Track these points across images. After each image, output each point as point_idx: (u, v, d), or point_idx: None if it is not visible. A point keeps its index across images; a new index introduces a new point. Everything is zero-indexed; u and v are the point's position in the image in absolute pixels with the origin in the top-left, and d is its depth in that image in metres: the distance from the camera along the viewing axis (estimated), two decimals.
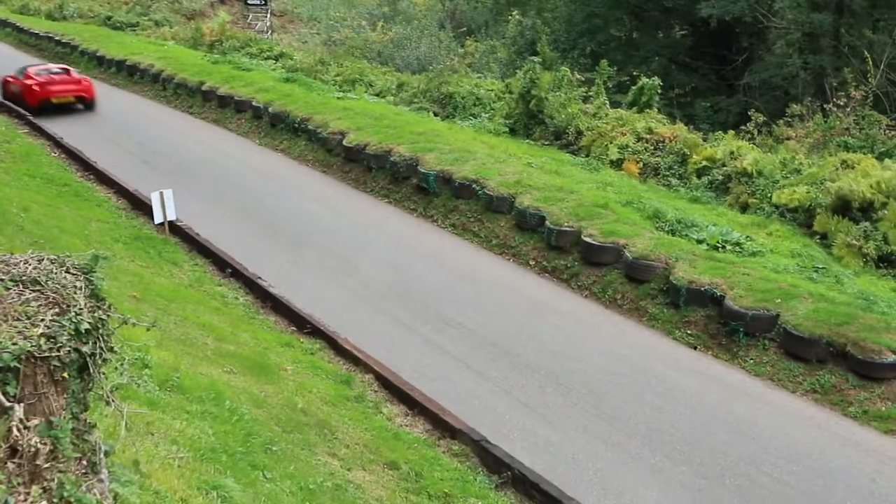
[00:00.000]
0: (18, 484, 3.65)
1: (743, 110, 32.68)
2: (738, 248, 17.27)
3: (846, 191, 19.25)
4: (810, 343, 13.98)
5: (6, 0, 60.34)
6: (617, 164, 24.80)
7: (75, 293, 4.15)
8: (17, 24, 50.25)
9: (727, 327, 15.00)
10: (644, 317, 16.23)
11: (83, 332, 4.00)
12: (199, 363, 11.10)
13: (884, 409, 12.98)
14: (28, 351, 3.72)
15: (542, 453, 11.97)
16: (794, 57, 37.46)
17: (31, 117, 29.53)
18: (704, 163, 23.47)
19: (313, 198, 22.97)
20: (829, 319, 14.16)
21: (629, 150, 25.16)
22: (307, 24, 58.37)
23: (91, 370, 4.08)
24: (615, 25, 43.64)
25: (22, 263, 4.24)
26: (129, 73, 37.54)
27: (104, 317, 4.22)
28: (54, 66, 33.82)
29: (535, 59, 30.18)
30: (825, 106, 26.89)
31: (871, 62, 27.99)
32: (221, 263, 18.04)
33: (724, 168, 22.94)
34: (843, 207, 19.27)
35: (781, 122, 27.33)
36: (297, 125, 27.45)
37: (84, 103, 32.19)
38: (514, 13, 43.55)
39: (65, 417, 3.90)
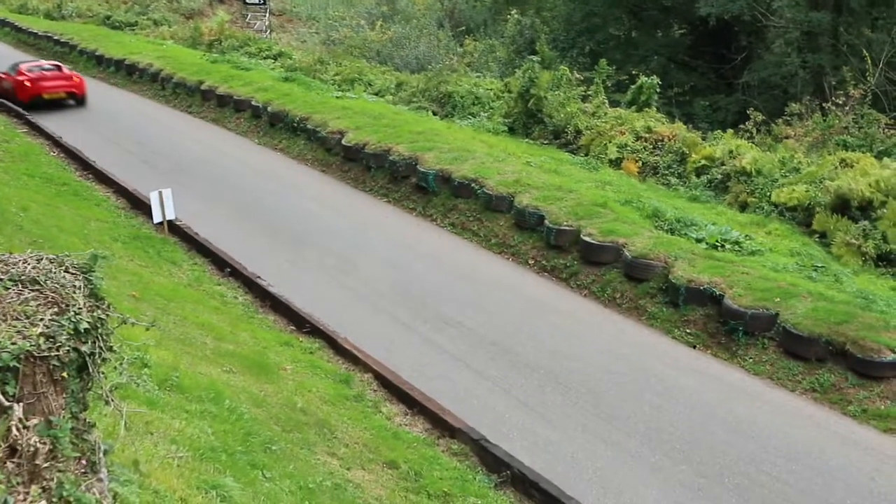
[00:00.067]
0: (18, 483, 3.65)
1: (742, 109, 32.69)
2: (737, 247, 17.27)
3: (845, 189, 19.26)
4: (809, 342, 13.99)
5: (5, 0, 60.33)
6: (616, 163, 24.80)
7: (74, 293, 4.15)
8: (16, 24, 50.23)
9: (726, 326, 15.01)
10: (643, 316, 16.23)
11: (82, 331, 4.00)
12: (199, 362, 11.10)
13: (883, 407, 12.98)
14: (27, 350, 3.71)
15: (542, 452, 11.97)
16: (792, 56, 37.45)
17: (29, 116, 29.55)
18: (703, 162, 23.48)
19: (312, 197, 22.96)
20: (829, 318, 14.17)
21: (628, 149, 25.17)
22: (306, 24, 58.32)
23: (90, 369, 4.08)
24: (614, 24, 43.65)
25: (21, 263, 4.24)
26: (127, 73, 37.53)
27: (103, 316, 4.22)
28: (46, 63, 34.30)
29: (534, 58, 30.19)
30: (824, 105, 26.91)
31: (869, 61, 28.02)
32: (220, 263, 18.04)
33: (723, 167, 22.94)
34: (842, 206, 19.28)
35: (780, 120, 27.34)
36: (295, 124, 27.45)
37: (75, 99, 32.57)
38: (512, 12, 43.56)
39: (64, 417, 3.90)
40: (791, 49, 38.11)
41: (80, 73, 38.97)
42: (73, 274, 4.29)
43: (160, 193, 19.21)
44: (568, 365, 14.30)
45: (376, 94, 33.03)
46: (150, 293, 14.06)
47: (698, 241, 17.46)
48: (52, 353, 3.82)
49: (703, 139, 25.26)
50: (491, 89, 32.37)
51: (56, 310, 4.00)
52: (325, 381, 13.07)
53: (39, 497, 3.66)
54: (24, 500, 3.62)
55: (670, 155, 24.50)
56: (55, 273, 4.22)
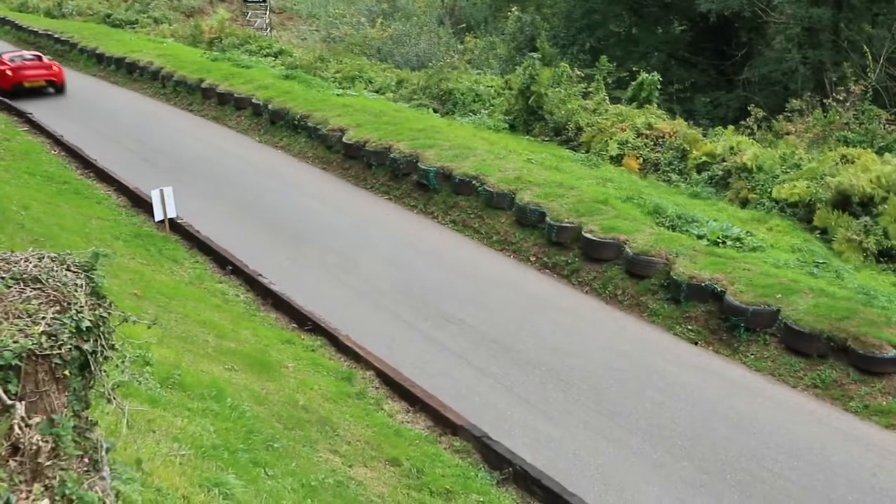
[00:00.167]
0: (20, 482, 3.65)
1: (742, 105, 32.68)
2: (738, 244, 17.26)
3: (846, 185, 19.24)
4: (811, 338, 13.99)
5: None
6: (617, 160, 24.78)
7: (76, 291, 4.15)
8: (16, 22, 50.23)
9: (728, 322, 15.00)
10: (645, 312, 16.23)
11: (84, 329, 4.01)
12: (200, 360, 11.10)
13: (885, 403, 12.98)
14: (29, 349, 3.72)
15: (544, 449, 11.98)
16: (793, 52, 37.40)
17: (30, 115, 29.58)
18: (704, 158, 23.46)
19: (313, 195, 22.96)
20: (830, 314, 14.17)
21: (629, 145, 25.14)
22: (306, 21, 58.29)
23: (92, 368, 4.08)
24: (614, 21, 43.61)
25: (22, 261, 4.24)
26: (128, 71, 37.53)
27: (105, 314, 4.23)
28: (27, 53, 36.10)
29: (535, 55, 30.13)
30: (825, 101, 26.88)
31: (870, 57, 27.97)
32: (222, 261, 18.06)
33: (724, 163, 22.92)
34: (844, 202, 19.26)
35: (781, 117, 27.31)
36: (296, 122, 27.44)
37: (55, 87, 34.30)
38: (513, 9, 43.49)
39: (66, 415, 3.90)
40: (791, 45, 38.06)
41: (81, 71, 39.20)
42: (74, 272, 4.30)
43: (161, 191, 19.22)
44: (569, 362, 14.31)
45: (377, 92, 33.01)
46: (151, 291, 14.07)
47: (699, 237, 17.46)
48: (54, 352, 3.82)
49: (704, 136, 25.23)
50: (491, 86, 32.32)
51: (58, 308, 4.00)
52: (326, 379, 13.08)
53: (42, 495, 3.66)
54: (27, 498, 3.63)
55: (671, 151, 24.47)
56: (57, 271, 4.22)
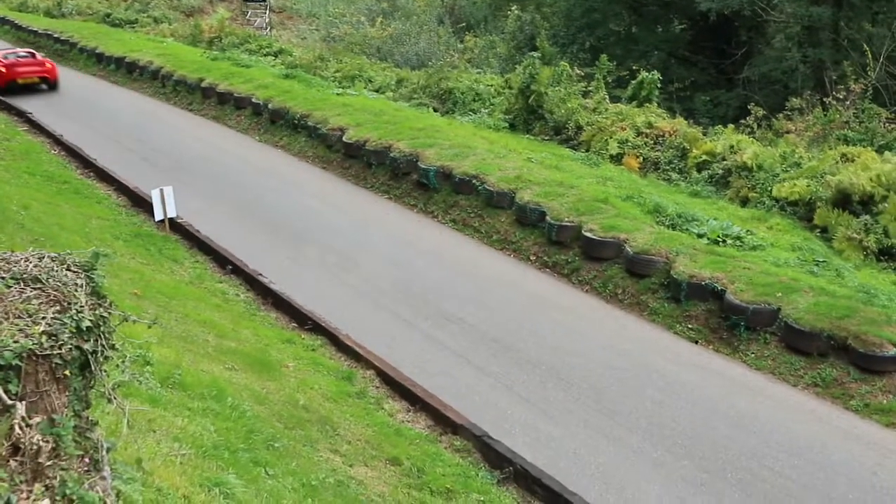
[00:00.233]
0: (21, 482, 3.65)
1: (742, 104, 32.67)
2: (738, 242, 17.27)
3: (846, 184, 19.23)
4: (811, 337, 13.99)
5: None
6: (617, 159, 24.77)
7: (76, 291, 4.15)
8: (16, 22, 50.22)
9: (728, 321, 15.00)
10: (645, 311, 16.23)
11: (84, 329, 4.01)
12: (201, 360, 11.11)
13: (885, 402, 12.98)
14: (29, 349, 3.72)
15: (544, 448, 11.98)
16: (793, 50, 37.40)
17: (30, 115, 29.59)
18: (704, 157, 23.45)
19: (313, 194, 22.96)
20: (830, 313, 14.17)
21: (629, 144, 25.13)
22: (306, 21, 58.29)
23: (93, 368, 4.09)
24: (614, 20, 43.60)
25: (23, 261, 4.24)
26: (128, 71, 37.52)
27: (105, 314, 4.23)
28: (21, 50, 37.08)
29: (535, 54, 30.12)
30: (825, 99, 26.85)
31: (870, 55, 27.96)
32: (222, 260, 18.06)
33: (724, 162, 22.91)
34: (844, 201, 19.25)
35: (781, 115, 27.29)
36: (296, 121, 27.44)
37: (47, 83, 35.04)
38: (513, 8, 43.49)
39: (67, 415, 3.90)
40: (791, 44, 38.05)
41: (81, 71, 39.22)
42: (74, 272, 4.30)
43: (161, 191, 19.22)
44: (570, 361, 14.31)
45: (377, 91, 33.01)
46: (151, 291, 14.08)
47: (700, 236, 17.46)
48: (55, 352, 3.82)
49: (704, 134, 25.21)
50: (491, 85, 32.31)
51: (58, 308, 4.00)
52: (327, 378, 13.09)
53: (42, 495, 3.66)
54: (28, 498, 3.63)
55: (671, 150, 24.46)
56: (57, 271, 4.22)
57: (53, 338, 3.84)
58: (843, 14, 36.78)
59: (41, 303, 3.99)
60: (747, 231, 17.93)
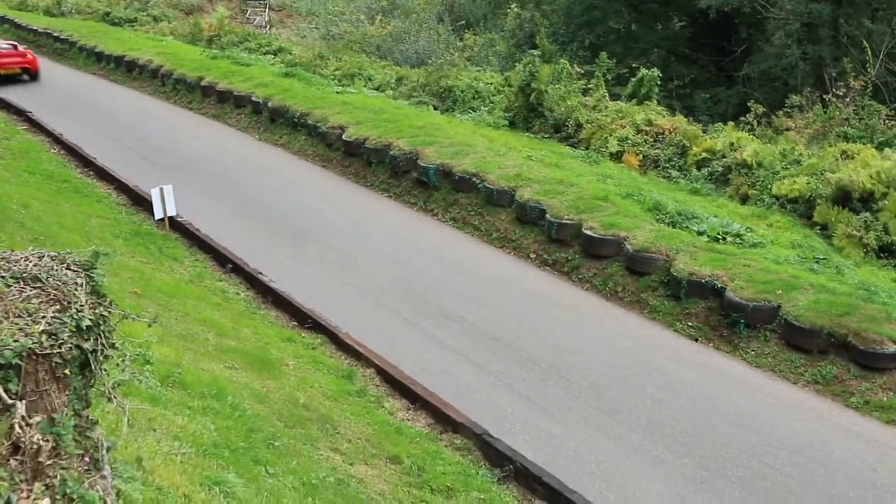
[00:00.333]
0: (21, 481, 3.65)
1: (742, 101, 32.65)
2: (738, 240, 17.26)
3: (846, 181, 19.22)
4: (811, 334, 13.99)
5: None
6: (617, 157, 24.76)
7: (76, 290, 4.15)
8: (15, 21, 50.17)
9: (728, 319, 15.00)
10: (645, 309, 16.23)
11: (84, 328, 4.01)
12: (201, 359, 11.11)
13: (885, 399, 12.98)
14: (29, 348, 3.72)
15: (544, 446, 11.98)
16: (793, 47, 37.40)
17: (30, 114, 29.60)
18: (704, 154, 23.43)
19: (313, 192, 22.95)
20: (831, 310, 14.17)
21: (629, 142, 25.12)
22: (306, 19, 58.25)
23: (93, 367, 4.09)
24: (614, 17, 43.60)
25: (23, 260, 4.24)
26: (127, 69, 37.49)
27: (105, 313, 4.23)
28: (3, 42, 38.24)
29: (535, 52, 30.11)
30: (824, 96, 26.84)
31: (870, 52, 27.94)
32: (222, 259, 18.06)
33: (724, 159, 22.90)
34: (844, 198, 19.24)
35: (781, 112, 27.27)
36: (296, 120, 27.43)
37: (29, 74, 36.47)
38: (512, 6, 43.49)
39: (67, 414, 3.90)
40: (791, 41, 38.05)
41: (80, 70, 39.22)
42: (74, 271, 4.30)
43: (161, 190, 19.22)
44: (570, 359, 14.31)
45: (376, 89, 32.98)
46: (151, 290, 14.07)
47: (700, 233, 17.46)
48: (55, 351, 3.82)
49: (704, 132, 25.20)
50: (491, 83, 32.29)
51: (58, 307, 4.00)
52: (327, 377, 13.09)
53: (43, 494, 3.66)
54: (28, 497, 3.63)
55: (671, 148, 24.45)
56: (57, 270, 4.22)
57: (53, 337, 3.84)
58: (843, 11, 36.77)
59: (41, 302, 4.00)
60: (747, 228, 17.92)
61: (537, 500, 11.01)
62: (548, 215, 18.72)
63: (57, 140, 26.72)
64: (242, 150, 26.99)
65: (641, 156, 24.65)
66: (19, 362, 3.67)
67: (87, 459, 4.02)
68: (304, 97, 28.82)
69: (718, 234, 17.36)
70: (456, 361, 14.29)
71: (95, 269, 4.38)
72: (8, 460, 3.64)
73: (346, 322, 15.28)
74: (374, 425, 11.69)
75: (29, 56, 36.93)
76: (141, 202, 20.85)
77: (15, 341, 3.70)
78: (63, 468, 3.78)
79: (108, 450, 4.21)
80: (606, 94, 28.27)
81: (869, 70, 27.12)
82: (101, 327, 4.15)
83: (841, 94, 25.65)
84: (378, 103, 28.43)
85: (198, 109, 31.94)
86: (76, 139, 26.35)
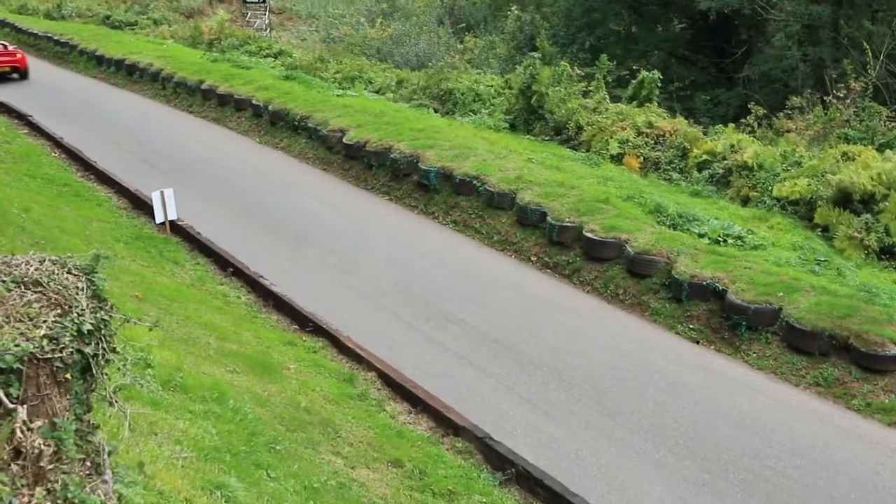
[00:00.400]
0: (22, 486, 3.65)
1: (743, 103, 32.63)
2: (739, 242, 17.26)
3: (847, 183, 19.21)
4: (813, 336, 13.98)
5: (4, 0, 60.29)
6: (617, 159, 24.74)
7: (77, 294, 4.14)
8: (16, 24, 50.20)
9: (729, 321, 15.00)
10: (646, 312, 16.22)
11: (86, 332, 4.00)
12: (202, 363, 11.10)
13: (887, 401, 12.98)
14: (31, 352, 3.71)
15: (546, 449, 11.97)
16: (793, 49, 37.36)
17: (31, 118, 29.61)
18: (705, 156, 23.43)
19: (314, 196, 22.96)
20: (832, 312, 14.16)
21: (629, 144, 25.11)
22: (306, 22, 58.26)
23: (94, 371, 4.08)
24: (614, 20, 43.57)
25: (23, 265, 4.24)
26: (128, 73, 37.51)
27: (106, 317, 4.22)
28: None
29: (535, 54, 30.11)
30: (825, 98, 26.82)
31: (870, 53, 27.93)
32: (223, 262, 18.06)
33: (725, 161, 22.89)
34: (845, 200, 19.23)
35: (781, 114, 27.26)
36: (296, 123, 27.44)
37: (18, 73, 37.41)
38: (512, 8, 43.47)
39: (68, 419, 3.90)
40: (791, 42, 38.02)
41: (81, 73, 39.28)
42: (75, 275, 4.29)
43: (162, 193, 19.22)
44: (571, 361, 14.30)
45: (377, 92, 32.98)
46: (152, 294, 14.07)
47: (701, 236, 17.45)
48: (56, 355, 3.82)
49: (705, 134, 25.19)
50: (491, 86, 32.28)
51: (59, 311, 4.00)
52: (328, 380, 13.08)
53: (44, 499, 3.66)
54: (29, 502, 3.62)
55: (672, 150, 24.45)
56: (58, 274, 4.22)
57: (54, 341, 3.84)
58: (843, 12, 36.75)
59: (42, 306, 3.99)
60: (748, 230, 17.92)
61: (539, 503, 11.00)
62: (549, 218, 18.72)
63: (57, 144, 26.73)
64: (243, 153, 27.00)
65: (642, 158, 24.64)
66: (20, 367, 3.67)
67: (88, 464, 4.01)
68: (305, 100, 28.84)
69: (719, 236, 17.35)
70: (457, 364, 14.28)
71: (96, 273, 4.37)
72: (9, 465, 3.64)
73: (347, 325, 15.27)
74: (375, 429, 11.69)
75: (18, 55, 37.69)
76: (142, 206, 20.85)
77: (16, 346, 3.69)
78: (64, 473, 3.77)
79: (109, 454, 4.21)
80: (607, 97, 28.26)
81: (869, 71, 27.11)
82: (103, 331, 4.15)
83: (841, 95, 25.64)
84: (378, 106, 28.44)
85: (198, 113, 31.95)
86: (77, 143, 26.35)
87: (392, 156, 23.18)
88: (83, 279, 4.28)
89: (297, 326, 15.56)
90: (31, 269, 4.20)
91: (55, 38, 44.63)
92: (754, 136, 24.95)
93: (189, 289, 16.08)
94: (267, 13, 52.11)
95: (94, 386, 4.15)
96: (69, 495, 3.72)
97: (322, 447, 10.13)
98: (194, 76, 33.69)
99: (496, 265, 18.60)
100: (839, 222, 18.66)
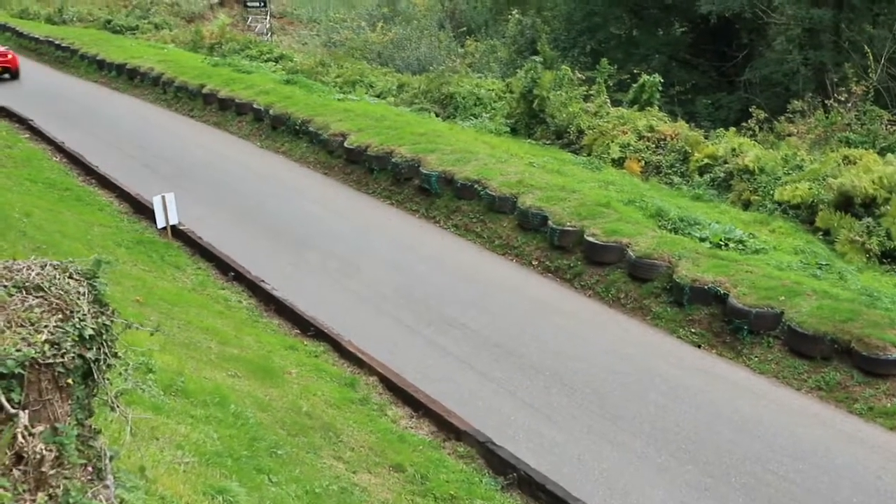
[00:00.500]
0: (24, 491, 3.64)
1: (744, 107, 32.66)
2: (740, 246, 17.24)
3: (848, 186, 19.22)
4: (815, 340, 13.96)
5: (6, 4, 60.43)
6: (619, 163, 24.77)
7: (79, 299, 4.14)
8: (17, 29, 50.28)
9: (731, 325, 14.98)
10: (648, 316, 16.20)
11: (87, 337, 4.00)
12: (204, 367, 11.10)
13: (889, 405, 12.95)
14: (32, 357, 3.71)
15: (548, 454, 11.96)
16: (794, 53, 37.39)
17: (32, 122, 29.63)
18: (706, 160, 23.45)
19: (315, 200, 22.96)
20: (833, 316, 14.14)
21: (631, 148, 25.14)
22: (307, 26, 58.36)
23: (95, 376, 4.08)
24: (615, 23, 43.62)
25: (25, 269, 4.23)
26: (129, 77, 37.54)
27: (108, 322, 4.22)
28: None
29: (536, 58, 30.15)
30: (826, 102, 26.86)
31: (871, 57, 27.95)
32: (224, 267, 18.05)
33: (726, 165, 22.91)
34: (846, 203, 19.24)
35: (783, 118, 27.31)
36: (298, 127, 27.44)
37: (9, 73, 38.25)
38: (513, 12, 43.57)
39: (70, 424, 3.89)
40: (792, 46, 38.04)
41: (82, 77, 39.34)
42: (77, 280, 4.29)
43: (163, 198, 19.22)
44: (573, 366, 14.29)
45: (378, 96, 33.02)
46: (154, 298, 14.07)
47: (702, 240, 17.44)
48: (57, 360, 3.81)
49: (706, 138, 25.22)
50: (493, 90, 32.33)
51: (61, 316, 3.99)
52: (330, 385, 13.07)
53: None
54: None
55: (673, 154, 24.47)
56: (59, 279, 4.21)
57: (56, 346, 3.84)
58: (844, 16, 36.77)
59: (43, 311, 3.99)
60: (750, 234, 17.92)
61: None
62: (550, 222, 18.70)
63: (59, 148, 26.74)
64: (244, 157, 27.01)
65: (643, 162, 24.66)
66: (22, 372, 3.67)
67: (90, 469, 4.01)
68: (306, 104, 28.85)
69: (721, 240, 17.34)
70: (458, 369, 14.27)
71: (98, 277, 4.37)
72: (11, 470, 3.63)
73: (348, 330, 15.26)
74: (377, 433, 11.67)
75: (10, 56, 38.57)
76: (143, 210, 20.85)
77: (17, 351, 3.69)
78: (66, 478, 3.77)
79: (111, 459, 4.20)
80: (608, 101, 28.29)
81: (870, 75, 27.13)
82: (104, 336, 4.14)
83: (842, 99, 25.67)
84: (380, 110, 28.45)
85: (199, 117, 31.97)
86: (78, 147, 26.36)
87: (393, 160, 23.19)
88: (84, 284, 4.28)
89: (298, 331, 15.54)
90: (33, 273, 4.20)
91: (56, 42, 44.69)
92: (755, 140, 24.99)
93: (190, 293, 16.08)
94: (268, 17, 52.21)
95: (95, 391, 4.14)
96: (71, 500, 3.71)
97: (323, 452, 10.12)
98: (195, 80, 33.72)
99: (497, 269, 18.60)
100: (840, 226, 18.66)
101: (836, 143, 23.68)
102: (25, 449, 3.64)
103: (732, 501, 11.07)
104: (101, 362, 4.11)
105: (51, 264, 4.36)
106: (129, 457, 6.07)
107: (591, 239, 17.80)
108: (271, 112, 28.86)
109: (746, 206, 21.41)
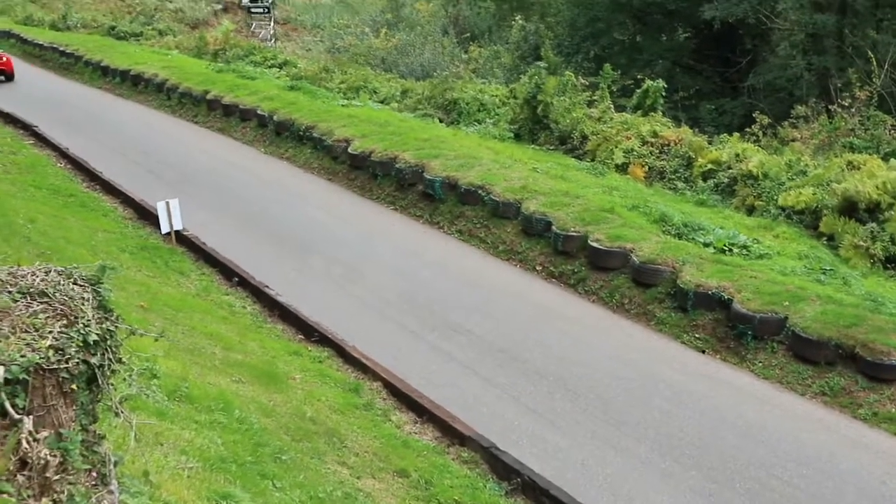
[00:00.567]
0: (28, 496, 3.64)
1: (747, 112, 32.64)
2: (744, 251, 17.22)
3: (852, 192, 19.19)
4: (819, 345, 13.94)
5: (10, 11, 60.56)
6: (622, 168, 24.74)
7: (83, 304, 4.15)
8: (21, 35, 50.44)
9: (735, 330, 14.96)
10: (652, 321, 16.19)
11: (91, 343, 4.00)
12: (208, 373, 11.11)
13: (894, 410, 12.93)
14: (37, 363, 3.71)
15: (552, 459, 11.95)
16: (797, 58, 37.39)
17: (36, 128, 29.70)
18: (710, 166, 23.42)
19: (319, 205, 22.98)
20: (838, 321, 14.12)
21: (634, 153, 25.11)
22: (311, 32, 58.49)
23: (100, 381, 4.08)
24: (618, 29, 43.61)
25: (29, 275, 4.24)
26: (133, 83, 37.62)
27: (112, 328, 4.23)
28: None
29: (540, 64, 30.14)
30: (830, 107, 26.81)
31: (875, 62, 27.94)
32: (228, 272, 18.07)
33: (730, 170, 22.88)
34: (850, 208, 19.21)
35: (786, 123, 27.27)
36: (302, 133, 27.47)
37: (4, 75, 39.24)
38: (517, 18, 43.57)
39: (74, 429, 3.90)
40: (796, 51, 38.04)
41: (86, 84, 39.40)
42: (81, 286, 4.30)
43: (167, 203, 19.25)
44: (576, 371, 14.28)
45: (382, 102, 33.02)
46: (158, 304, 14.09)
47: (706, 245, 17.42)
48: (62, 366, 3.82)
49: (710, 143, 25.18)
50: (496, 95, 32.31)
51: (65, 322, 4.00)
52: (334, 390, 13.07)
53: None
54: None
55: (677, 159, 24.44)
56: (64, 285, 4.22)
57: (60, 352, 3.84)
58: (848, 21, 36.74)
59: (48, 317, 3.99)
60: (754, 240, 17.89)
61: None
62: (554, 227, 18.70)
63: (63, 154, 26.80)
64: (248, 163, 27.05)
65: (647, 167, 24.64)
66: (26, 377, 3.67)
67: (94, 474, 4.01)
68: (310, 110, 28.88)
69: (725, 245, 17.32)
70: (462, 374, 14.27)
71: (102, 283, 4.38)
72: (15, 476, 3.64)
73: (352, 335, 15.27)
74: (381, 439, 11.67)
75: (4, 59, 39.59)
76: (147, 216, 20.89)
77: (22, 356, 3.69)
78: (70, 483, 3.77)
79: (115, 464, 4.20)
80: (611, 106, 28.27)
81: (874, 80, 27.13)
82: (108, 342, 4.15)
83: (846, 104, 25.63)
84: (383, 116, 28.48)
85: (203, 123, 32.02)
86: (82, 153, 26.42)
87: (397, 165, 23.20)
88: (89, 290, 4.29)
89: (302, 336, 15.55)
90: (37, 279, 4.21)
91: (60, 48, 44.82)
92: (759, 146, 24.95)
93: (194, 299, 16.09)
94: (272, 24, 52.32)
95: (99, 396, 4.15)
96: None
97: (328, 457, 10.12)
98: (199, 86, 33.78)
99: (501, 274, 18.59)
100: (845, 231, 18.63)
101: (839, 148, 23.65)
102: (30, 454, 3.64)
103: None
104: (106, 368, 4.12)
105: (55, 270, 4.36)
106: (134, 462, 6.07)
107: (594, 244, 17.79)
108: (275, 118, 28.90)
109: (750, 211, 21.38)
